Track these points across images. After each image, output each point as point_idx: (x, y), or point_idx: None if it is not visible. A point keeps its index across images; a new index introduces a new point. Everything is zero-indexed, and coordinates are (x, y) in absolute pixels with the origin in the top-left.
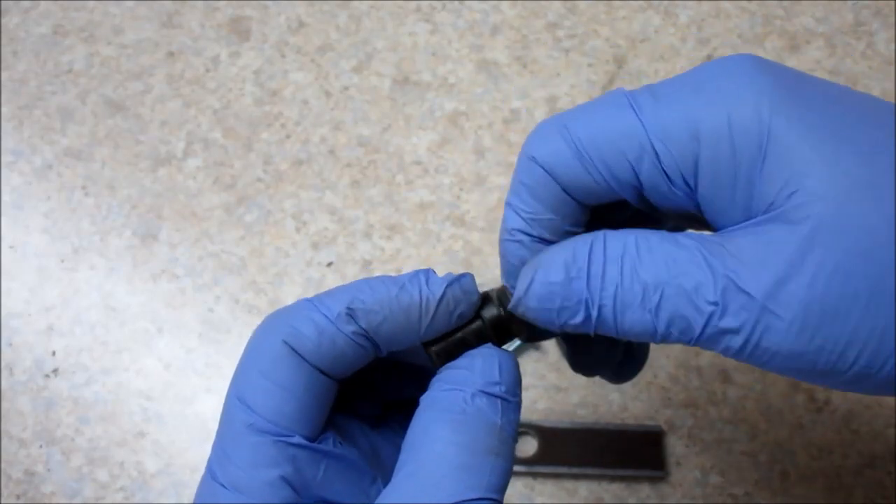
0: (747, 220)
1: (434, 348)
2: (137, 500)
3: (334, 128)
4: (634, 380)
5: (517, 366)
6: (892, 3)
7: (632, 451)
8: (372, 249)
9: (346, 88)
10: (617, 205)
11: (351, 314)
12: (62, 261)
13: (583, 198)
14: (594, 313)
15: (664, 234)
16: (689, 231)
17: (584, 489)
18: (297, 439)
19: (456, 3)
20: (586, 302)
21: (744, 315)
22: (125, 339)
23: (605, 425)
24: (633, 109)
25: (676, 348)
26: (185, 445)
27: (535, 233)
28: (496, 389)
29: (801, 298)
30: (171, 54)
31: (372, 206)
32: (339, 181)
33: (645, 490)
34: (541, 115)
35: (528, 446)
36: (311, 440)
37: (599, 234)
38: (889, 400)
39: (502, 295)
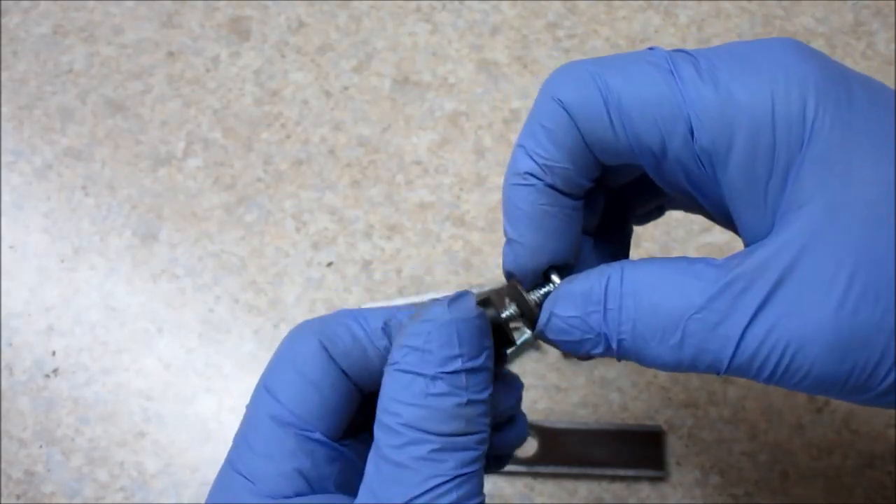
0: (773, 214)
1: None
2: (137, 500)
3: (334, 128)
4: (634, 380)
5: (478, 318)
6: (892, 3)
7: (632, 451)
8: (372, 249)
9: (346, 88)
10: (625, 167)
11: (386, 330)
12: (62, 261)
13: (600, 153)
14: (614, 345)
15: (683, 265)
16: (705, 258)
17: (584, 489)
18: (317, 435)
19: (456, 3)
20: (605, 336)
21: (773, 343)
22: (125, 339)
23: (605, 425)
24: (675, 77)
25: None
26: (185, 445)
27: (547, 179)
28: (457, 364)
29: (833, 318)
30: (171, 54)
31: (372, 206)
32: (339, 181)
33: (645, 490)
34: None
35: (528, 446)
36: (332, 439)
37: (617, 266)
38: None
39: (505, 294)
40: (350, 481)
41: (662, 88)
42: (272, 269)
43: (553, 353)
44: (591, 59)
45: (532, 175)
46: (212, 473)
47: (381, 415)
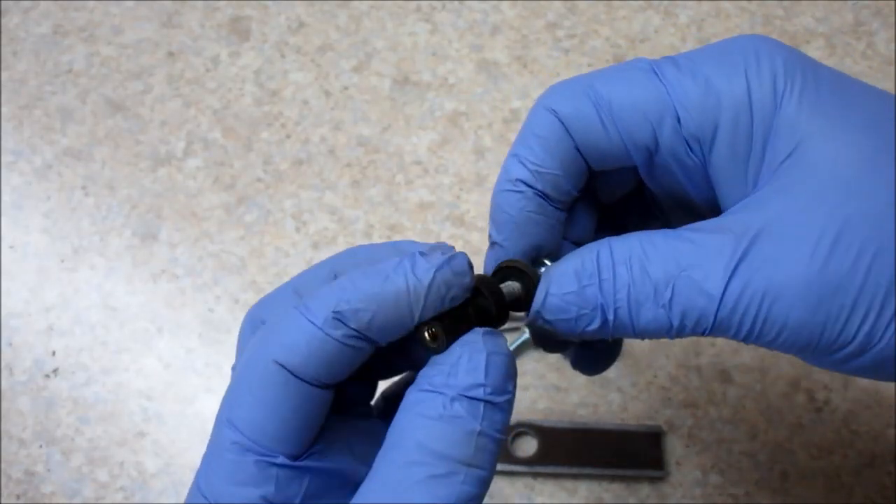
0: (754, 187)
1: (427, 330)
2: (137, 500)
3: (334, 128)
4: (634, 380)
5: (509, 358)
6: (892, 3)
7: (632, 451)
8: None
9: (346, 88)
10: (616, 178)
11: (338, 317)
12: (62, 261)
13: (593, 159)
14: (611, 317)
15: (667, 231)
16: (689, 224)
17: (584, 489)
18: (280, 459)
19: (456, 3)
20: (602, 306)
21: (751, 294)
22: (125, 339)
23: (605, 425)
24: (657, 76)
25: (676, 348)
26: (185, 445)
27: (538, 186)
28: (479, 392)
29: (805, 268)
30: (171, 54)
31: (372, 206)
32: (339, 181)
33: (645, 490)
34: None
35: (528, 446)
36: (297, 457)
37: (605, 241)
38: (889, 400)
39: (489, 280)
40: (322, 489)
41: (648, 87)
42: (272, 269)
43: (553, 353)
44: (581, 75)
45: (523, 182)
46: None
47: (391, 429)
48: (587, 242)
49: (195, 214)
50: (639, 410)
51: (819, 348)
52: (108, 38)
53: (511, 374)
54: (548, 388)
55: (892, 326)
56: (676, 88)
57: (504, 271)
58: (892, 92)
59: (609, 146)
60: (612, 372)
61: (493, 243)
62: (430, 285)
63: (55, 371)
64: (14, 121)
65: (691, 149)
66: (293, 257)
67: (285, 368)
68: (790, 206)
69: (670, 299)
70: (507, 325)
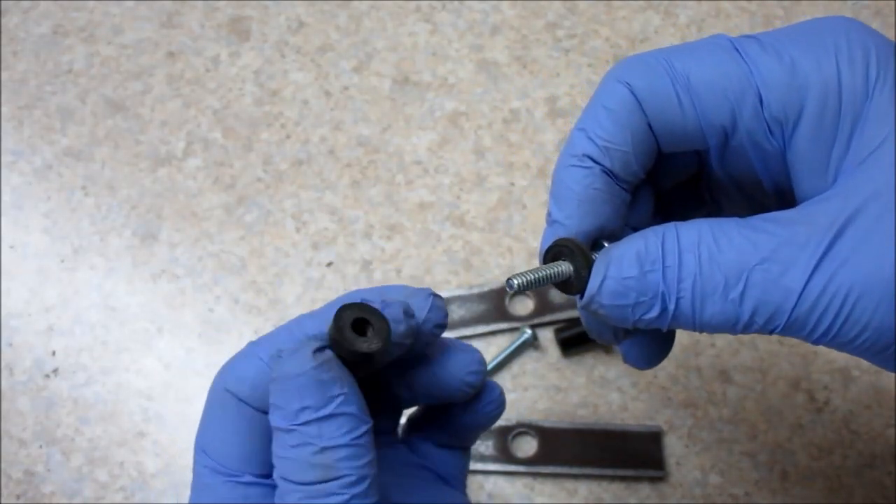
0: (836, 176)
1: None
2: (137, 500)
3: (334, 128)
4: (634, 380)
5: (322, 367)
6: (893, 3)
7: (632, 451)
8: (372, 249)
9: (346, 88)
10: (680, 163)
11: (279, 355)
12: (62, 261)
13: (665, 138)
14: (671, 307)
15: (739, 220)
16: (761, 214)
17: (584, 489)
18: (246, 478)
19: (456, 3)
20: (663, 295)
21: (834, 290)
22: (125, 339)
23: (605, 425)
24: (739, 53)
25: (676, 348)
26: (185, 445)
27: (605, 162)
28: (305, 416)
29: (892, 269)
30: (171, 54)
31: (372, 206)
32: (339, 181)
33: (645, 490)
34: (541, 115)
35: (527, 446)
36: (266, 476)
37: (671, 226)
38: (889, 400)
39: (553, 255)
40: None
41: (730, 64)
42: (272, 269)
43: (553, 353)
44: (657, 50)
45: (590, 157)
46: None
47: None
48: (645, 228)
49: (195, 214)
50: (639, 410)
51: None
52: (108, 38)
53: (334, 378)
54: (548, 388)
55: None
56: (760, 67)
57: (557, 248)
58: None
59: (684, 125)
60: (611, 372)
61: (552, 221)
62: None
63: (55, 371)
64: (14, 121)
65: (772, 132)
66: (293, 257)
67: (236, 396)
68: (879, 199)
69: (742, 292)
70: (507, 325)
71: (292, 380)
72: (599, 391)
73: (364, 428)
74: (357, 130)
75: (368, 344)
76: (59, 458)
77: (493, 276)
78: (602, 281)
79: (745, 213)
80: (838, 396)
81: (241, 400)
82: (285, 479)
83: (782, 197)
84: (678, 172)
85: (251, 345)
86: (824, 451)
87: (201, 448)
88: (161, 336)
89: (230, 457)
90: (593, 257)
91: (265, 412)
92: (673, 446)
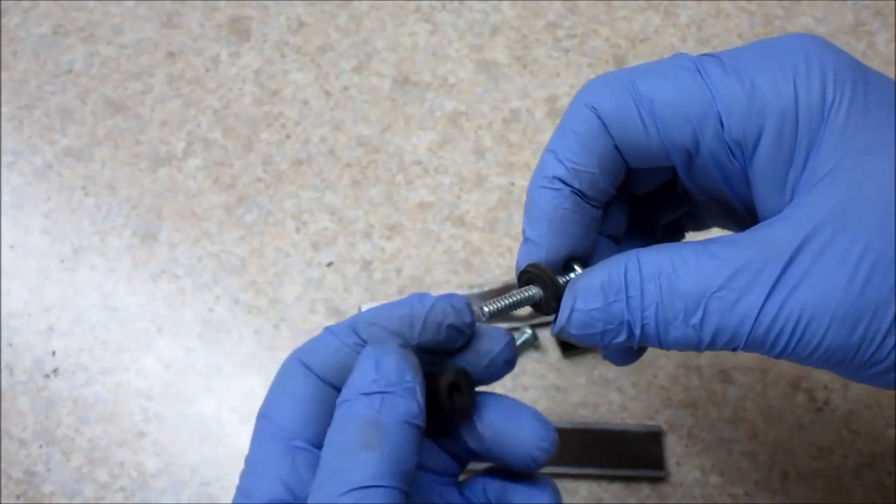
0: (791, 197)
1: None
2: (137, 500)
3: (334, 128)
4: (634, 380)
5: (399, 353)
6: (892, 3)
7: (632, 451)
8: (372, 249)
9: (346, 88)
10: (651, 172)
11: (352, 327)
12: (62, 261)
13: (631, 157)
14: (637, 332)
15: (696, 246)
16: (720, 237)
17: (584, 489)
18: (298, 442)
19: (456, 3)
20: (628, 322)
21: (787, 314)
22: (125, 339)
23: (605, 425)
24: (701, 75)
25: None
26: (185, 445)
27: (575, 183)
28: (373, 387)
29: (843, 291)
30: (171, 54)
31: (372, 206)
32: (339, 181)
33: (645, 490)
34: (541, 115)
35: None
36: (318, 446)
37: (632, 254)
38: (889, 400)
39: (525, 280)
40: None
41: (691, 87)
42: (272, 269)
43: (553, 353)
44: (621, 70)
45: (559, 179)
46: (212, 473)
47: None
48: (620, 236)
49: (195, 214)
50: (639, 410)
51: (852, 365)
52: (108, 38)
53: (406, 366)
54: (548, 388)
55: None
56: (721, 90)
57: (528, 275)
58: None
59: (648, 146)
60: (611, 372)
61: (526, 239)
62: (429, 310)
63: (55, 371)
64: (14, 121)
65: (733, 153)
66: (293, 257)
67: (304, 364)
68: (829, 224)
69: (702, 319)
70: (507, 325)
71: (380, 351)
72: (599, 391)
73: (412, 420)
74: (357, 130)
75: (452, 403)
76: (59, 458)
77: (494, 276)
78: (570, 313)
79: (719, 217)
80: (838, 396)
81: (309, 369)
82: (332, 443)
83: (751, 210)
84: (651, 181)
85: (326, 329)
86: (824, 451)
87: (265, 416)
88: (161, 336)
89: (287, 419)
90: (563, 281)
91: (330, 384)
92: (673, 446)
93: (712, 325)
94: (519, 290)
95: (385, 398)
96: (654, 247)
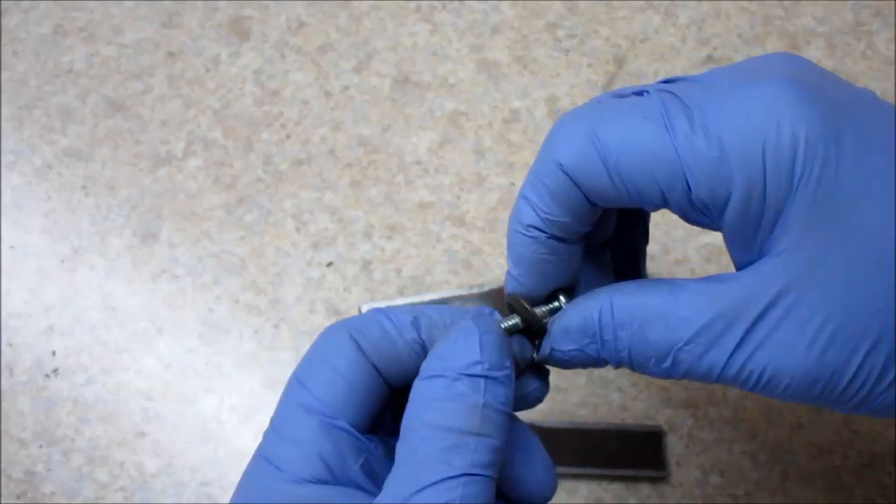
0: (759, 255)
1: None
2: (137, 500)
3: (334, 128)
4: (634, 380)
5: (501, 337)
6: (892, 3)
7: (632, 451)
8: (372, 249)
9: (346, 88)
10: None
11: (415, 323)
12: (62, 261)
13: (603, 203)
14: (614, 365)
15: (667, 296)
16: (690, 283)
17: (584, 489)
18: (341, 423)
19: (456, 3)
20: (605, 359)
21: (751, 368)
22: (125, 339)
23: (605, 425)
24: (668, 131)
25: None
26: (185, 445)
27: (549, 231)
28: (477, 369)
29: (804, 356)
30: (171, 54)
31: (372, 206)
32: (339, 181)
33: (645, 490)
34: (541, 115)
35: None
36: (360, 430)
37: (605, 298)
38: None
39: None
40: (375, 476)
41: (658, 148)
42: (272, 269)
43: None
44: (588, 113)
45: (535, 227)
46: (212, 473)
47: (404, 419)
48: (605, 244)
49: (195, 214)
50: (639, 410)
51: (821, 404)
52: (108, 38)
53: (505, 353)
54: None
55: (891, 391)
56: (687, 152)
57: (510, 304)
58: (893, 92)
59: (618, 198)
60: (611, 372)
61: (509, 275)
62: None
63: (55, 371)
64: (14, 121)
65: (702, 212)
66: (293, 257)
67: (357, 343)
68: (791, 292)
69: (672, 365)
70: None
71: (473, 334)
72: (599, 391)
73: (510, 409)
74: (357, 130)
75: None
76: (59, 458)
77: (494, 277)
78: (550, 352)
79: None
80: None
81: (359, 348)
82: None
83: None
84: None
85: (377, 311)
86: (824, 451)
87: (301, 381)
88: (161, 336)
89: (333, 396)
90: (543, 310)
91: (378, 372)
92: (673, 446)
93: (682, 370)
94: (503, 319)
95: (488, 383)
96: (627, 288)
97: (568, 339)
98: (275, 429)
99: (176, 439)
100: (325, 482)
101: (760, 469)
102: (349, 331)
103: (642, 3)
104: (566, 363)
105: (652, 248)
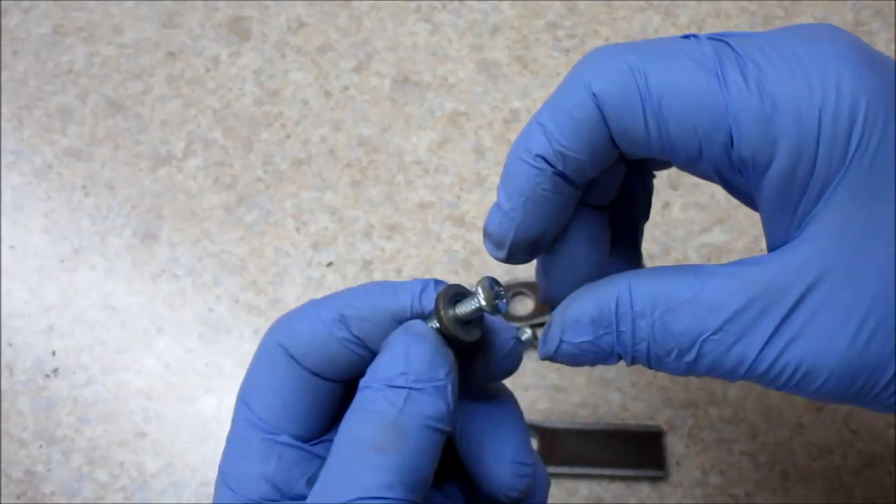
0: (799, 229)
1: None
2: (137, 500)
3: (334, 128)
4: (634, 380)
5: (432, 345)
6: (892, 3)
7: (632, 451)
8: (372, 249)
9: (346, 88)
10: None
11: (343, 321)
12: (62, 261)
13: (626, 149)
14: (628, 361)
15: (693, 281)
16: (717, 268)
17: (584, 489)
18: (283, 437)
19: (456, 3)
20: (619, 353)
21: (785, 362)
22: (125, 339)
23: (605, 425)
24: (719, 80)
25: None
26: (185, 445)
27: (558, 166)
28: (401, 380)
29: (846, 349)
30: (171, 54)
31: (372, 206)
32: (339, 181)
33: (645, 490)
34: None
35: None
36: (304, 440)
37: (624, 284)
38: None
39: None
40: None
41: (706, 95)
42: (272, 269)
43: None
44: (630, 46)
45: (544, 159)
46: (212, 473)
47: (339, 429)
48: (605, 207)
49: (195, 214)
50: (639, 410)
51: (854, 403)
52: (108, 38)
53: (439, 361)
54: (548, 388)
55: None
56: (738, 105)
57: (455, 290)
58: None
59: (647, 145)
60: (612, 372)
61: (498, 205)
62: (431, 312)
63: (55, 371)
64: (14, 121)
65: (739, 171)
66: (293, 257)
67: (287, 352)
68: (834, 277)
69: (695, 359)
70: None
71: (425, 344)
72: (599, 391)
73: (444, 425)
74: (357, 130)
75: (469, 334)
76: (59, 458)
77: (494, 276)
78: (558, 345)
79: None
80: None
81: (292, 357)
82: (349, 437)
83: (750, 202)
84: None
85: (313, 303)
86: (824, 451)
87: (244, 401)
88: (161, 336)
89: (272, 413)
90: (458, 310)
91: (315, 374)
92: (673, 446)
93: (706, 364)
94: (451, 307)
95: (411, 395)
96: (647, 274)
97: (581, 329)
98: (227, 447)
99: (176, 439)
100: (273, 500)
101: (760, 469)
102: (278, 339)
103: (642, 3)
104: (575, 358)
105: (652, 248)
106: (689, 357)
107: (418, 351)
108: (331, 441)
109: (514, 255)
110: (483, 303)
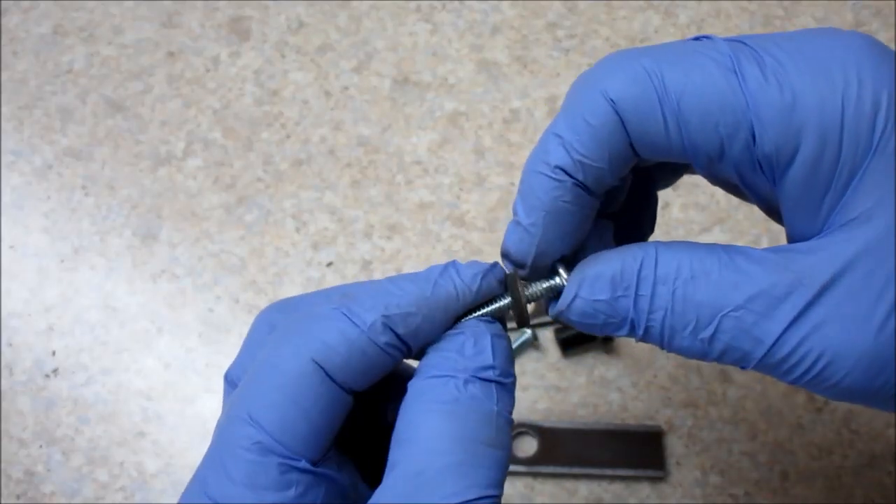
0: (825, 222)
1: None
2: (137, 500)
3: (334, 128)
4: (634, 380)
5: (509, 343)
6: (892, 3)
7: (632, 451)
8: (372, 249)
9: (346, 88)
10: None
11: (387, 322)
12: (62, 261)
13: (645, 153)
14: (640, 332)
15: (721, 254)
16: (746, 249)
17: (584, 489)
18: (303, 464)
19: (456, 3)
20: (632, 321)
21: (807, 350)
22: (125, 339)
23: (605, 425)
24: (737, 76)
25: None
26: (185, 445)
27: (578, 176)
28: (490, 374)
29: (872, 339)
30: (171, 54)
31: (372, 206)
32: (339, 181)
33: (645, 490)
34: (541, 115)
35: (527, 446)
36: (315, 463)
37: (651, 249)
38: None
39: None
40: (337, 500)
41: (725, 92)
42: (272, 269)
43: (553, 353)
44: (642, 50)
45: (563, 170)
46: None
47: (399, 421)
48: (611, 214)
49: (195, 214)
50: (639, 410)
51: (866, 402)
52: (108, 38)
53: (512, 360)
54: (548, 388)
55: None
56: (758, 100)
57: (507, 282)
58: None
59: (668, 148)
60: (611, 372)
61: (517, 223)
62: (477, 291)
63: (55, 371)
64: (14, 121)
65: (762, 168)
66: (293, 257)
67: (322, 369)
68: (865, 263)
69: (712, 335)
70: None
71: (484, 336)
72: (599, 391)
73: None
74: (357, 130)
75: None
76: (59, 458)
77: None
78: (573, 299)
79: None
80: None
81: (326, 374)
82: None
83: (770, 208)
84: (662, 166)
85: (336, 311)
86: (824, 451)
87: (252, 418)
88: (161, 336)
89: (294, 435)
90: (541, 288)
91: (341, 387)
92: (673, 446)
93: (722, 343)
94: (494, 300)
95: (500, 390)
96: (674, 244)
97: (599, 286)
98: (224, 466)
99: (176, 439)
100: None
101: (760, 469)
102: (311, 355)
103: (642, 3)
104: (586, 317)
105: None
106: (706, 333)
107: (502, 345)
108: (331, 459)
109: (537, 271)
110: (558, 280)
